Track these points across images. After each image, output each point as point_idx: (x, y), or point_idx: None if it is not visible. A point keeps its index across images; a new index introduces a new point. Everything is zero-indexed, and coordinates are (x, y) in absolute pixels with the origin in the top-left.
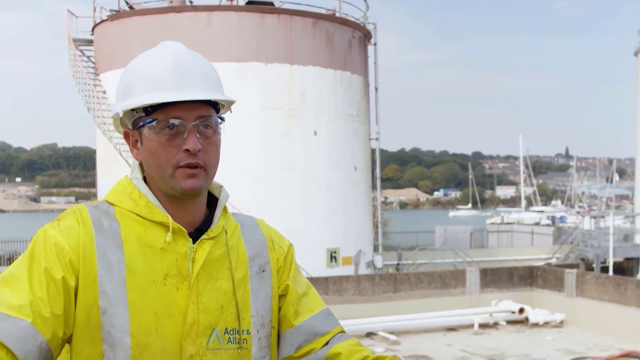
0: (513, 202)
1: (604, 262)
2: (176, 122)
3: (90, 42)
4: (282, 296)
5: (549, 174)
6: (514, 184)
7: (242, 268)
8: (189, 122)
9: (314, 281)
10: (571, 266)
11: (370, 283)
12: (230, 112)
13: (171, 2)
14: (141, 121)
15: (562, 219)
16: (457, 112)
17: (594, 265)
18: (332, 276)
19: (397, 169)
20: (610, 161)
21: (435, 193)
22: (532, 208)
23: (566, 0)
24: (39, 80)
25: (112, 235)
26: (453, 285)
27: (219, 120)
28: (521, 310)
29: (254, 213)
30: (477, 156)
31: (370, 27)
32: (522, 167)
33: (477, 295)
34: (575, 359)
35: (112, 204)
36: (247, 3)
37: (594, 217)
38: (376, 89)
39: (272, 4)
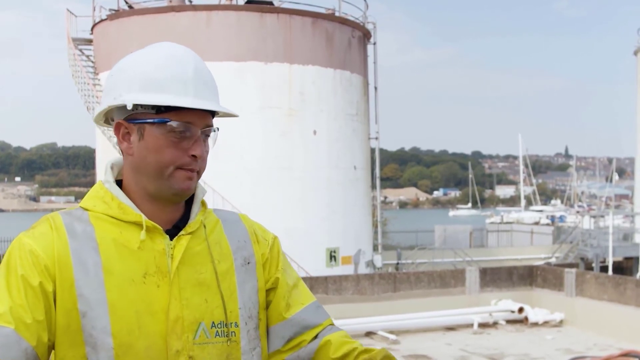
0: (512, 201)
1: (604, 262)
2: (189, 127)
3: (89, 42)
4: (272, 289)
5: (548, 174)
6: (514, 183)
7: (225, 261)
8: (198, 128)
9: (314, 280)
10: (571, 265)
11: (370, 282)
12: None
13: (170, 1)
14: (147, 118)
15: (561, 218)
16: (456, 111)
17: (593, 265)
18: (332, 275)
19: (396, 168)
20: (610, 160)
21: (435, 192)
22: (531, 207)
23: (566, 0)
24: (38, 79)
25: (86, 239)
26: (452, 285)
27: (216, 130)
28: (521, 310)
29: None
30: (477, 155)
31: (369, 26)
32: (521, 167)
33: (476, 295)
34: (574, 358)
35: (86, 209)
36: (247, 2)
37: (594, 217)
38: (376, 88)
39: (271, 3)
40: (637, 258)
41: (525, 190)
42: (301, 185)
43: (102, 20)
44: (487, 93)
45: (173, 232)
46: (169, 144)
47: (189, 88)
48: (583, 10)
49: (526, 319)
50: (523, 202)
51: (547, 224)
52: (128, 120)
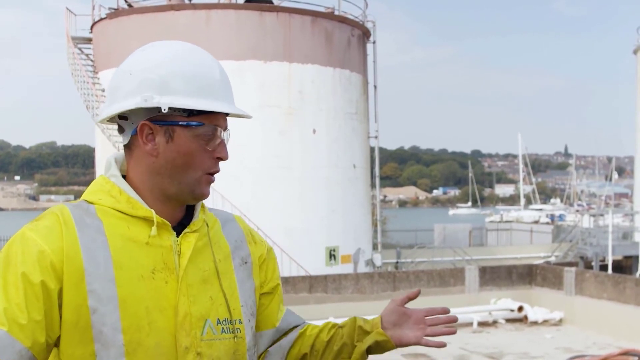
0: (512, 200)
1: (603, 260)
2: (217, 130)
3: (89, 40)
4: (268, 294)
5: (548, 172)
6: (513, 182)
7: (225, 260)
8: (223, 131)
9: (313, 279)
10: (570, 264)
11: (369, 281)
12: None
13: (170, 0)
14: (178, 120)
15: (561, 217)
16: (456, 110)
17: (592, 264)
18: (331, 274)
19: (396, 167)
20: (610, 159)
21: (434, 191)
22: (531, 206)
23: None
24: (37, 78)
25: (95, 233)
26: (452, 284)
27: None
28: (520, 309)
29: (253, 211)
30: (476, 154)
31: (369, 25)
32: (521, 165)
33: (476, 294)
34: (574, 357)
35: (91, 203)
36: (246, 1)
37: (593, 215)
38: (375, 87)
39: (271, 2)
40: (637, 257)
41: (524, 189)
42: (300, 184)
43: (101, 19)
44: (486, 92)
45: (177, 229)
46: (198, 147)
47: (219, 91)
48: (582, 9)
49: (525, 317)
50: (522, 200)
51: (547, 223)
52: (153, 121)
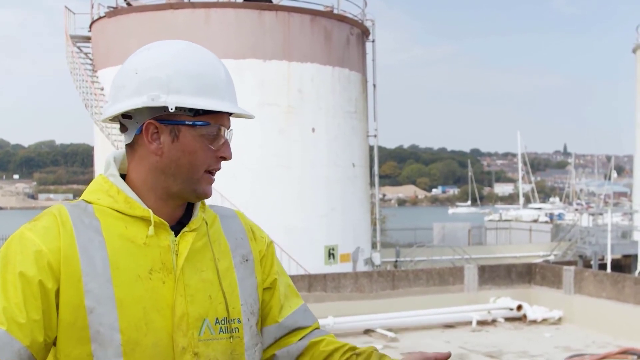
0: (511, 199)
1: (602, 259)
2: (222, 129)
3: (87, 39)
4: (268, 289)
5: (547, 171)
6: (512, 181)
7: (225, 258)
8: (227, 130)
9: (312, 278)
10: (569, 263)
11: (369, 280)
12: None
13: None
14: (184, 119)
15: (560, 216)
16: (455, 109)
17: (592, 262)
18: (330, 273)
19: (395, 166)
20: (609, 158)
21: (434, 190)
22: (530, 205)
23: None
24: (36, 77)
25: (93, 233)
26: (451, 282)
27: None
28: (519, 307)
29: (252, 210)
30: (476, 153)
31: (368, 24)
32: (520, 164)
33: (475, 292)
34: (573, 356)
35: (89, 202)
36: (245, 0)
37: (592, 214)
38: (374, 86)
39: (270, 0)
40: (636, 256)
41: (523, 187)
42: (300, 183)
43: (100, 18)
44: (486, 91)
45: (176, 228)
46: (202, 146)
47: (224, 91)
48: (582, 8)
49: (525, 316)
50: (522, 199)
51: (546, 222)
52: (159, 120)
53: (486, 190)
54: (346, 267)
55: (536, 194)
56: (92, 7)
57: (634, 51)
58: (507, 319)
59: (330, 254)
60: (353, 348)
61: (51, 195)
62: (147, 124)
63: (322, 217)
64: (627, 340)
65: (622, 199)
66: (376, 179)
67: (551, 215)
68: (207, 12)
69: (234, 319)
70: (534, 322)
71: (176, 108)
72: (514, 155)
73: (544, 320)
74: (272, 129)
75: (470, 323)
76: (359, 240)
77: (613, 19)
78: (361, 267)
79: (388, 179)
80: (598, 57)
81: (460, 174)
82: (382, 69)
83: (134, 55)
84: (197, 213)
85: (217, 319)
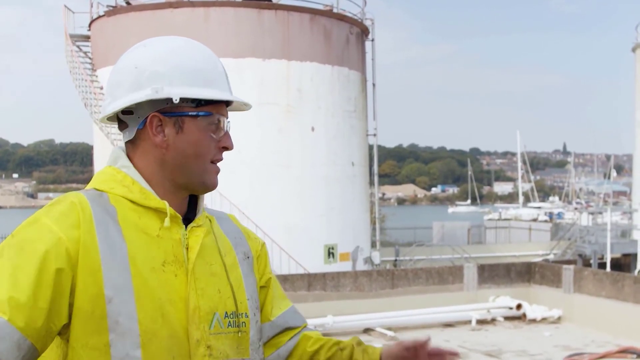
0: (511, 198)
1: (602, 258)
2: (223, 120)
3: (87, 38)
4: (263, 288)
5: (546, 170)
6: (512, 180)
7: (230, 254)
8: (227, 121)
9: (312, 277)
10: (569, 262)
11: (368, 279)
12: None
13: None
14: (187, 111)
15: (559, 215)
16: (454, 108)
17: (591, 261)
18: (330, 272)
19: (394, 165)
20: (608, 157)
21: (433, 189)
22: (529, 204)
23: None
24: (36, 76)
25: (111, 221)
26: (450, 281)
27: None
28: (519, 306)
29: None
30: (475, 152)
31: (367, 23)
32: (519, 163)
33: (474, 291)
34: (572, 355)
35: (103, 191)
36: None
37: (592, 213)
38: (374, 85)
39: None
40: (635, 255)
41: (523, 187)
42: (299, 182)
43: (99, 17)
44: (485, 90)
45: (184, 222)
46: (206, 137)
47: (223, 83)
48: (581, 7)
49: (524, 315)
50: (521, 198)
51: (545, 221)
52: (162, 112)
53: (486, 189)
54: (345, 266)
55: (536, 193)
56: (92, 6)
57: (634, 50)
58: (507, 318)
59: (330, 253)
60: (337, 343)
61: (50, 194)
62: (151, 117)
63: (322, 216)
64: (627, 339)
65: (621, 198)
66: (375, 178)
67: (550, 214)
68: (207, 11)
69: (241, 314)
70: (533, 321)
71: (180, 99)
72: (514, 154)
73: (544, 319)
74: (271, 128)
75: (469, 322)
76: (358, 240)
77: (612, 18)
78: (360, 266)
79: (387, 178)
80: (597, 56)
81: (460, 173)
82: (382, 68)
83: (131, 51)
84: (202, 209)
85: (226, 312)
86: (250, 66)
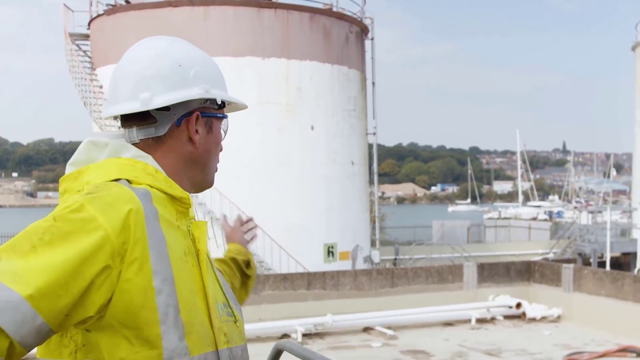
0: (510, 197)
1: (601, 257)
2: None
3: (86, 37)
4: None
5: (546, 169)
6: (511, 179)
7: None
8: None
9: (312, 276)
10: (568, 261)
11: (368, 278)
12: None
13: None
14: (214, 112)
15: (559, 214)
16: (454, 107)
17: (591, 260)
18: (330, 271)
19: (394, 163)
20: (608, 156)
21: (433, 188)
22: (529, 203)
23: None
24: (35, 75)
25: (151, 211)
26: (450, 280)
27: None
28: (518, 305)
29: (251, 208)
30: (475, 151)
31: (367, 21)
32: (519, 162)
33: (474, 290)
34: (572, 354)
35: (129, 181)
36: None
37: (591, 212)
38: (373, 83)
39: None
40: (635, 253)
41: (523, 185)
42: (299, 181)
43: (99, 16)
44: (485, 89)
45: None
46: (221, 137)
47: (226, 85)
48: (581, 6)
49: (524, 314)
50: (521, 197)
51: (545, 220)
52: (200, 112)
53: (485, 188)
54: (345, 265)
55: (535, 192)
56: (91, 5)
57: (634, 49)
58: (506, 317)
59: (330, 252)
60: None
61: (50, 194)
62: (195, 116)
63: (321, 215)
64: (626, 338)
65: (621, 196)
66: (375, 177)
67: (550, 213)
68: (206, 10)
69: (229, 304)
70: (533, 319)
71: (209, 101)
72: (513, 153)
73: (543, 318)
74: (271, 127)
75: (469, 321)
76: (358, 238)
77: (612, 17)
78: (360, 265)
79: (387, 177)
80: (597, 55)
81: (460, 172)
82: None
83: (159, 47)
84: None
85: (225, 303)
86: (250, 65)
